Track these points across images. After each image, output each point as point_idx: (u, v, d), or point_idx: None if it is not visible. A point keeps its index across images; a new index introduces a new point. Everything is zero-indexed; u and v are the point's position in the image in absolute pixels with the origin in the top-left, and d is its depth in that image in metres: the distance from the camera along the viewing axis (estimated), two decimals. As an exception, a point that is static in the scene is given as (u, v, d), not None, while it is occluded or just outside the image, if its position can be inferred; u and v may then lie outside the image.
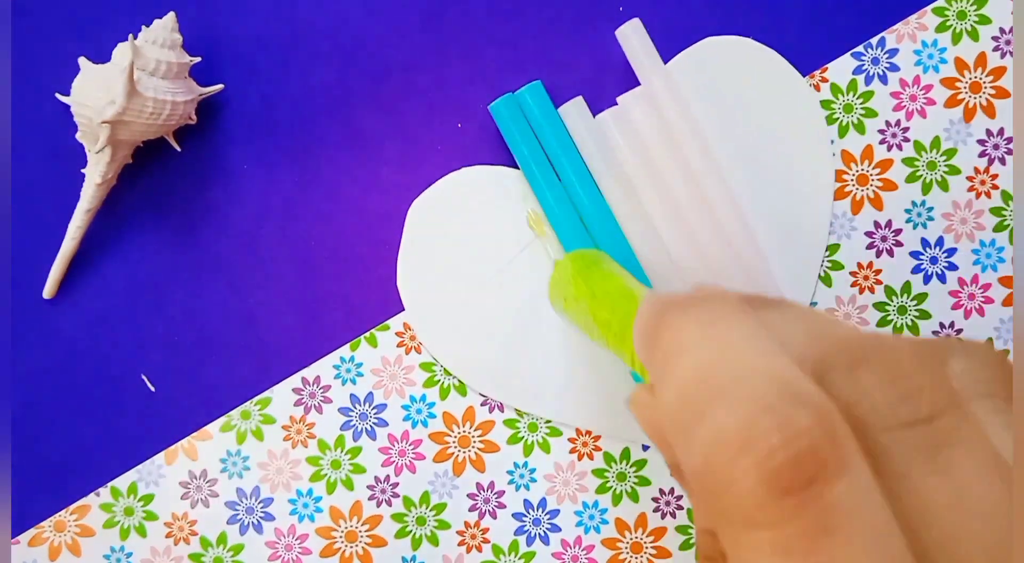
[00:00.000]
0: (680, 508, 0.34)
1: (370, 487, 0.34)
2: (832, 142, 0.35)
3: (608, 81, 0.34)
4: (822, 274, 0.35)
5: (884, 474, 0.13)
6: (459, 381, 0.34)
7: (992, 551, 0.12)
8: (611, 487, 0.34)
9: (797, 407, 0.12)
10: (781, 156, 0.34)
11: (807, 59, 0.35)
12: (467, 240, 0.34)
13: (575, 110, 0.33)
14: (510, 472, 0.34)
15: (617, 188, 0.33)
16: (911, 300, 0.35)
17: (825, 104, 0.35)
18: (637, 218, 0.33)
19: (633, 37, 0.33)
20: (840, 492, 0.12)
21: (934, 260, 0.35)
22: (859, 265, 0.35)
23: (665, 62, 0.34)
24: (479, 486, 0.34)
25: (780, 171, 0.34)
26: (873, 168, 0.35)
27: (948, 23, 0.35)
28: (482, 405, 0.34)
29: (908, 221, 0.35)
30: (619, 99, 0.33)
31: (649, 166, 0.33)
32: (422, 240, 0.34)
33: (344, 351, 0.34)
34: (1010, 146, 0.35)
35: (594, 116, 0.34)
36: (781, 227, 0.34)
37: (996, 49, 0.35)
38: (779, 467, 0.12)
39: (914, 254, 0.35)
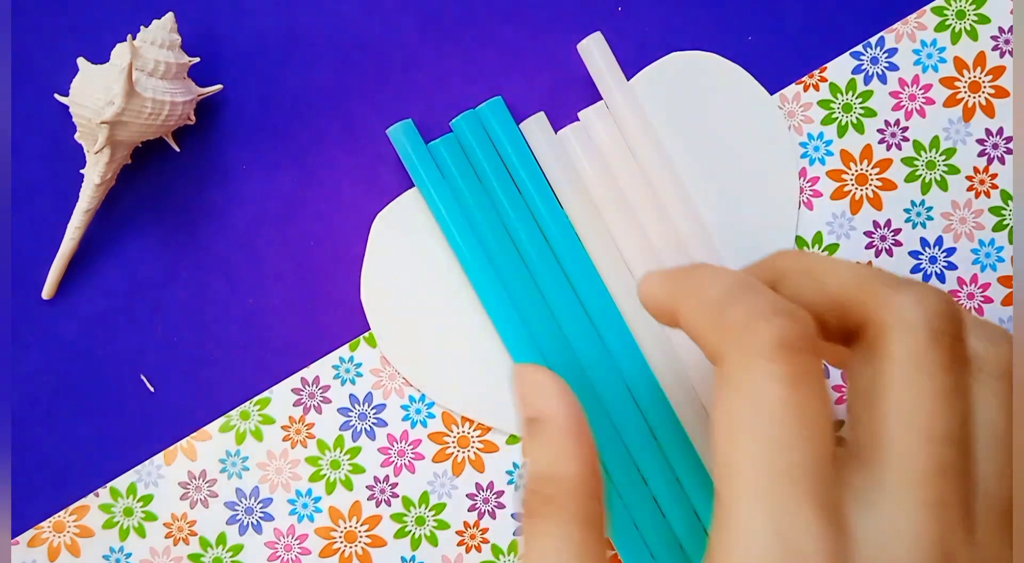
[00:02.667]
0: (679, 508, 0.34)
1: (369, 487, 0.34)
2: (831, 142, 0.35)
3: (571, 95, 0.34)
4: (821, 274, 0.35)
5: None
6: (458, 381, 0.34)
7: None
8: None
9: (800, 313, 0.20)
10: (745, 173, 0.34)
11: (805, 58, 0.35)
12: (432, 253, 0.34)
13: (537, 126, 0.33)
14: (509, 472, 0.34)
15: (580, 205, 0.33)
16: (910, 300, 0.35)
17: (824, 104, 0.35)
18: (599, 235, 0.33)
19: (595, 51, 0.33)
20: (817, 366, 0.20)
21: (933, 260, 0.35)
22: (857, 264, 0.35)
23: (632, 76, 0.34)
24: (478, 486, 0.34)
25: (745, 188, 0.34)
26: (872, 168, 0.35)
27: (947, 22, 0.35)
28: (481, 405, 0.34)
29: (907, 221, 0.35)
30: (580, 114, 0.34)
31: (611, 183, 0.33)
32: (385, 255, 0.34)
33: (343, 351, 0.34)
34: (1009, 145, 0.35)
35: (556, 132, 0.34)
36: (746, 245, 0.34)
37: (995, 48, 0.35)
38: (800, 330, 0.20)
39: (913, 254, 0.35)
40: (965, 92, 0.35)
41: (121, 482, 0.34)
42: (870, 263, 0.35)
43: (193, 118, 0.33)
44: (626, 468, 0.33)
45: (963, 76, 0.35)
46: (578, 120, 0.34)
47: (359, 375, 0.34)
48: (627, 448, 0.33)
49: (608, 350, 0.33)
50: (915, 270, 0.35)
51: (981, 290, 0.35)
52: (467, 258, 0.33)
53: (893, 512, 0.19)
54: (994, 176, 0.35)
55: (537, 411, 0.25)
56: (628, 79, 0.34)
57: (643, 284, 0.26)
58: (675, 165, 0.34)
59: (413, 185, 0.34)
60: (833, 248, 0.34)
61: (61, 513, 0.34)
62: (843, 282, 0.22)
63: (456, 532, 0.34)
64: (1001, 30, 0.35)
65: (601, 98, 0.34)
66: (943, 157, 0.35)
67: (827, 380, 0.20)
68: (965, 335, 0.20)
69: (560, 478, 0.24)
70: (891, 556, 0.18)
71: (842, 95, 0.35)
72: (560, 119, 0.34)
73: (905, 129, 0.35)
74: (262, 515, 0.34)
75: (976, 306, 0.35)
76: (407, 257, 0.34)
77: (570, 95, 0.35)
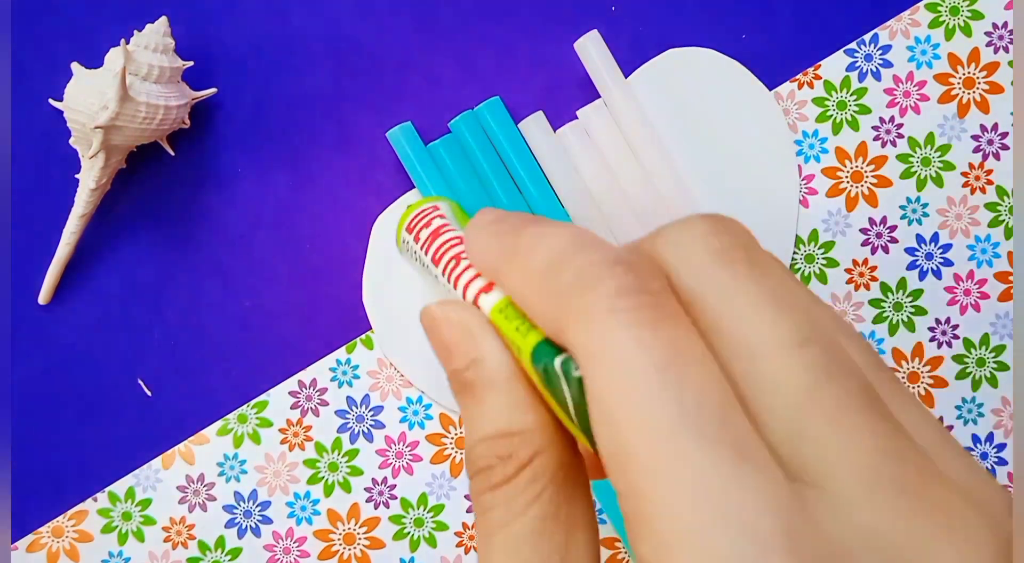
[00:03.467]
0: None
1: (367, 489, 0.34)
2: (826, 140, 0.35)
3: (569, 93, 0.34)
4: (817, 272, 0.35)
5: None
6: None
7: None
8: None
9: (640, 254, 0.17)
10: (745, 167, 0.34)
11: (799, 56, 0.35)
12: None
13: (535, 125, 0.33)
14: (507, 473, 0.34)
15: (580, 203, 0.33)
16: (907, 297, 0.35)
17: (818, 101, 0.35)
18: (600, 233, 0.33)
19: (592, 49, 0.33)
20: (675, 306, 0.16)
21: (929, 256, 0.35)
22: (854, 262, 0.35)
23: (628, 73, 0.34)
24: (477, 487, 0.34)
25: (745, 182, 0.34)
26: (867, 165, 0.35)
27: (941, 19, 0.35)
28: (479, 406, 0.34)
29: (903, 217, 0.35)
30: (579, 112, 0.34)
31: (611, 180, 0.33)
32: (386, 257, 0.34)
33: (340, 353, 0.34)
34: (1005, 141, 0.35)
35: (555, 130, 0.34)
36: None
37: (989, 44, 0.35)
38: (639, 273, 0.16)
39: (909, 250, 0.35)
40: (959, 88, 0.35)
41: (119, 487, 0.34)
42: (863, 267, 0.35)
43: (188, 122, 0.33)
44: None
45: (957, 72, 0.35)
46: (576, 118, 0.34)
47: (356, 377, 0.34)
48: None
49: None
50: (911, 267, 0.35)
51: (978, 286, 0.35)
52: None
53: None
54: (989, 172, 0.35)
55: (470, 358, 0.19)
56: (625, 77, 0.34)
57: (470, 232, 0.20)
58: (675, 161, 0.34)
59: (409, 186, 0.34)
60: (829, 245, 0.34)
61: (60, 518, 0.34)
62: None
63: (455, 533, 0.34)
64: (995, 26, 0.34)
65: (599, 96, 0.34)
66: (938, 154, 0.35)
67: (693, 328, 0.16)
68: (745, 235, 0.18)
69: (527, 432, 0.18)
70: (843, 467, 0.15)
71: (836, 92, 0.35)
72: (558, 117, 0.34)
73: (900, 126, 0.35)
74: (260, 518, 0.34)
75: (972, 302, 0.35)
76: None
77: (568, 93, 0.35)
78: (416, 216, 0.25)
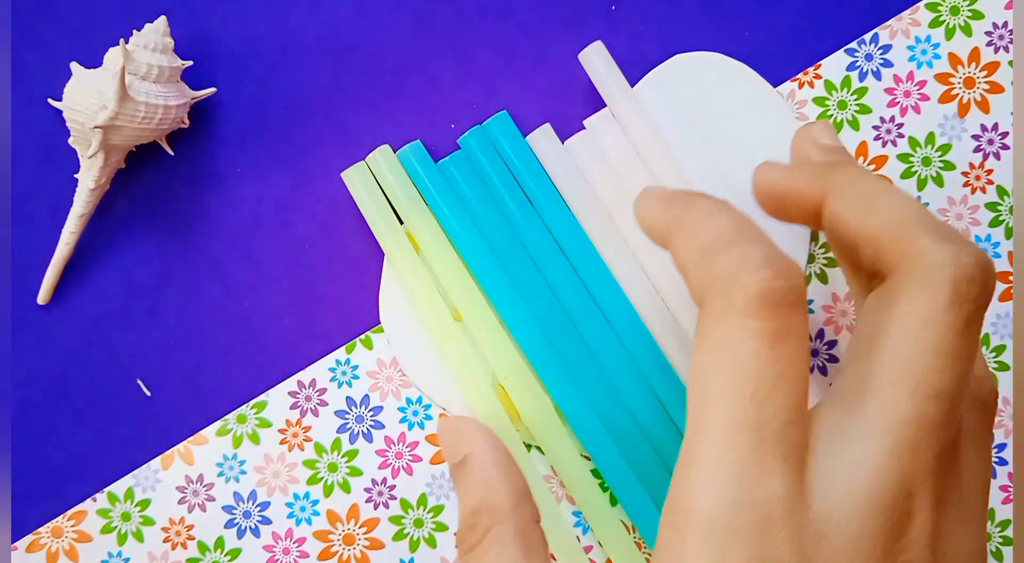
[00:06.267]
0: (678, 507, 0.34)
1: (367, 489, 0.34)
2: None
3: (575, 102, 0.34)
4: (818, 272, 0.35)
5: None
6: (455, 382, 0.34)
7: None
8: (608, 488, 0.34)
9: (794, 263, 0.20)
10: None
11: (800, 56, 0.35)
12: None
13: (543, 138, 0.33)
14: (507, 473, 0.34)
15: (592, 214, 0.33)
16: (907, 296, 0.35)
17: (819, 101, 0.35)
18: (614, 242, 0.33)
19: (597, 60, 0.33)
20: (799, 321, 0.19)
21: (930, 256, 0.35)
22: (855, 262, 0.35)
23: (631, 78, 0.34)
24: (476, 487, 0.34)
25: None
26: (868, 165, 0.35)
27: (941, 18, 0.35)
28: (478, 406, 0.34)
29: (903, 217, 0.35)
30: (586, 122, 0.33)
31: (623, 189, 0.33)
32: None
33: (340, 354, 0.34)
34: (1005, 141, 0.35)
35: (563, 141, 0.34)
36: None
37: (989, 44, 0.35)
38: (784, 282, 0.19)
39: (910, 250, 0.35)
40: (960, 88, 0.35)
41: (119, 487, 0.34)
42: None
43: (187, 122, 0.33)
44: (654, 466, 0.33)
45: (957, 72, 0.35)
46: (584, 128, 0.34)
47: (356, 377, 0.34)
48: (654, 449, 0.33)
49: (631, 355, 0.33)
50: (912, 267, 0.35)
51: (978, 286, 0.35)
52: (485, 275, 0.33)
53: (858, 452, 0.18)
54: (990, 172, 0.35)
55: (460, 454, 0.26)
56: (631, 83, 0.34)
57: (641, 201, 0.25)
58: (686, 169, 0.34)
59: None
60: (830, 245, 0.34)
61: (59, 518, 0.34)
62: (888, 222, 0.20)
63: (455, 534, 0.34)
64: (995, 26, 0.34)
65: (603, 106, 0.34)
66: (939, 153, 0.35)
67: (808, 336, 0.19)
68: (988, 304, 0.20)
69: (493, 507, 0.24)
70: (844, 487, 0.18)
71: (837, 92, 0.35)
72: (564, 123, 0.34)
73: (900, 126, 0.35)
74: (260, 519, 0.34)
75: (973, 302, 0.35)
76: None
77: (574, 102, 0.34)
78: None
